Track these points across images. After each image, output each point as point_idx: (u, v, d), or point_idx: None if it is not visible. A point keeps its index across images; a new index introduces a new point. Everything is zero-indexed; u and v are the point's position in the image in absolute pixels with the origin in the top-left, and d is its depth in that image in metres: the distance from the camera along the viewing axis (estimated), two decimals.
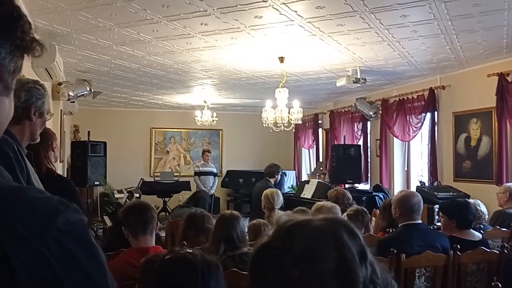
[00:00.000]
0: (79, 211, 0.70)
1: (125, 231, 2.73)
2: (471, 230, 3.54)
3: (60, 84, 6.17)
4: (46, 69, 4.68)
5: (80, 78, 6.72)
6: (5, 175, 0.72)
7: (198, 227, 3.56)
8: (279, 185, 7.48)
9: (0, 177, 0.68)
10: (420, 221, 3.30)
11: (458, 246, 3.18)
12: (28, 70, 4.22)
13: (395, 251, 3.03)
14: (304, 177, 11.28)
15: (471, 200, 4.43)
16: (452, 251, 3.17)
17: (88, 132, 7.83)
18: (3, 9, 0.70)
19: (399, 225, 3.34)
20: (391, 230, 3.78)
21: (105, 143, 8.07)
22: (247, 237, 3.18)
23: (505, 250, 3.28)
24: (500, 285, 2.29)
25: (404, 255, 3.03)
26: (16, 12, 0.72)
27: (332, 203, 3.56)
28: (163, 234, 5.53)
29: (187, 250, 1.72)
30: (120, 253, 2.75)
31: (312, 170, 10.54)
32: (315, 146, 10.90)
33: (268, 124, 5.82)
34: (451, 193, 6.04)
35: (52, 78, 5.21)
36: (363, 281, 0.79)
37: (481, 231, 3.94)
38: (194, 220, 3.64)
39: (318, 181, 8.01)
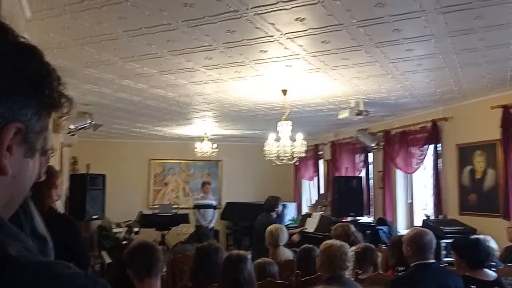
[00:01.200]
0: (107, 286, 0.64)
1: (130, 273, 2.61)
2: (485, 269, 3.43)
3: (60, 117, 6.12)
4: None
5: (81, 111, 6.68)
6: (29, 245, 0.66)
7: (212, 262, 3.32)
8: (279, 217, 7.34)
9: (25, 250, 0.62)
10: (433, 261, 3.20)
11: (474, 287, 3.08)
12: None
13: None
14: (305, 209, 11.13)
15: (480, 237, 4.33)
16: None
17: (87, 164, 7.73)
18: (31, 68, 0.66)
19: (411, 265, 3.23)
20: (400, 269, 3.66)
21: (104, 175, 7.95)
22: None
23: None
24: None
25: None
26: (45, 70, 0.68)
27: (341, 242, 3.44)
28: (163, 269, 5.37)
29: None
30: None
31: (313, 202, 10.41)
32: (316, 177, 10.80)
33: (270, 157, 5.76)
34: (458, 227, 5.93)
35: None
36: None
37: (493, 268, 3.83)
38: (206, 255, 3.39)
39: (321, 214, 7.90)
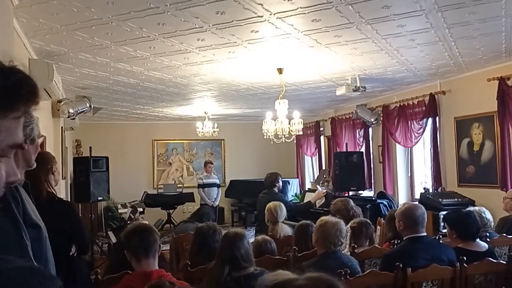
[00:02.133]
0: (52, 279, 0.65)
1: (128, 254, 2.69)
2: (477, 240, 3.50)
3: (60, 101, 6.18)
4: (44, 89, 4.67)
5: (80, 95, 6.72)
6: None
7: (210, 246, 3.49)
8: (282, 193, 7.43)
9: None
10: (424, 234, 3.26)
11: (465, 258, 3.15)
12: None
13: (401, 265, 2.99)
14: (308, 185, 11.24)
15: (476, 208, 4.38)
16: (458, 263, 3.14)
17: (90, 147, 7.81)
18: None
19: (404, 238, 3.30)
20: (396, 242, 3.74)
21: (107, 158, 8.04)
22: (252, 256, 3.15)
23: None
24: None
25: (410, 269, 2.99)
26: None
27: (336, 219, 3.50)
28: (167, 247, 5.51)
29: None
30: (123, 276, 2.72)
31: (316, 178, 10.50)
32: (317, 153, 10.87)
33: (269, 136, 5.80)
34: (456, 199, 5.99)
35: (51, 97, 5.21)
36: None
37: (487, 239, 3.90)
38: (204, 238, 3.57)
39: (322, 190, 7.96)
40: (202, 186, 9.67)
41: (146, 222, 3.83)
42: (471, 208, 4.49)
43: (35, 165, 2.14)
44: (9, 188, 1.69)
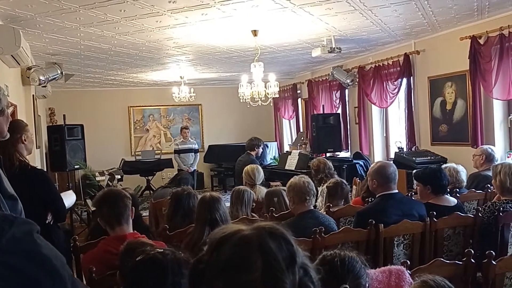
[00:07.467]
0: (26, 223, 0.67)
1: (101, 222, 2.68)
2: (447, 195, 3.62)
3: (29, 68, 6.01)
4: (12, 55, 4.52)
5: (50, 62, 6.54)
6: None
7: (184, 207, 3.58)
8: (261, 157, 7.53)
9: None
10: (396, 191, 3.35)
11: (434, 213, 3.27)
12: None
13: (374, 221, 3.09)
14: (286, 148, 11.35)
15: (453, 165, 4.50)
16: (428, 218, 3.26)
17: (64, 115, 7.67)
18: None
19: (377, 196, 3.39)
20: (370, 200, 3.84)
21: (82, 125, 7.92)
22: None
23: (479, 214, 3.38)
24: (472, 251, 2.36)
25: (382, 225, 3.10)
26: None
27: (307, 180, 3.55)
28: (146, 213, 5.54)
29: (158, 250, 1.72)
30: (100, 242, 2.74)
31: (293, 141, 10.59)
32: (295, 116, 10.92)
33: (245, 99, 5.79)
34: (429, 157, 6.14)
35: (20, 64, 5.06)
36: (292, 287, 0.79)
37: (457, 194, 4.04)
38: (179, 200, 3.65)
39: (300, 152, 8.07)
40: (178, 151, 9.63)
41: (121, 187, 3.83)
42: (448, 165, 4.62)
43: (8, 136, 2.11)
44: None
